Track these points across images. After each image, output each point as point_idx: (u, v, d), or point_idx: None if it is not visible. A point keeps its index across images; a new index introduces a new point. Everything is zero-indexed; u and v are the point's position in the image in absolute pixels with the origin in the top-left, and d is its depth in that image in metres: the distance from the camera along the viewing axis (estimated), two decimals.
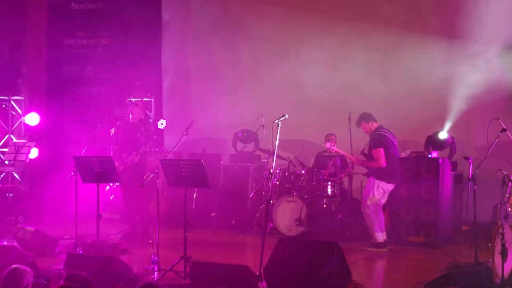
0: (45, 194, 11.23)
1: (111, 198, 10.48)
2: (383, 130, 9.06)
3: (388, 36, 11.04)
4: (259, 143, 11.07)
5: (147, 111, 11.59)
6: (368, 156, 9.11)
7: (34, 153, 10.88)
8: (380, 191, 8.97)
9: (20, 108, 11.97)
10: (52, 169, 11.56)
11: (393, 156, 9.01)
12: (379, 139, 8.97)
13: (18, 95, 11.98)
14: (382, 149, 8.88)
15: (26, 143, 10.57)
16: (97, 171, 8.08)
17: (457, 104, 10.51)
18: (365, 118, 9.14)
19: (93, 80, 12.56)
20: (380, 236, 9.03)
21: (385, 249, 9.00)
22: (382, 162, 8.86)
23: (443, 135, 10.16)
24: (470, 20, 10.37)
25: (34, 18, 12.55)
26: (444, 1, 10.97)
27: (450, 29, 10.66)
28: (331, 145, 9.45)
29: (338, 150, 9.40)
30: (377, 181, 8.95)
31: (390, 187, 9.01)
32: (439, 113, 10.56)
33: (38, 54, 12.66)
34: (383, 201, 9.11)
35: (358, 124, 9.22)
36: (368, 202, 8.98)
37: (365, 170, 9.74)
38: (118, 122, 9.58)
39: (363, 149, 9.27)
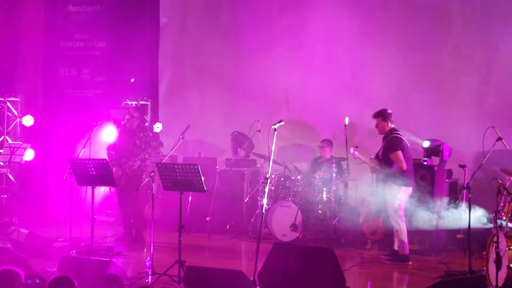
0: (39, 196, 11.20)
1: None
2: (398, 133, 8.70)
3: (386, 40, 11.10)
4: (253, 148, 11.03)
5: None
6: (382, 161, 8.68)
7: (29, 154, 10.85)
8: (403, 194, 8.57)
9: (16, 109, 11.93)
10: (47, 171, 11.55)
11: (409, 159, 8.70)
12: (396, 142, 8.56)
13: (14, 96, 11.94)
14: (400, 152, 8.52)
15: (21, 144, 10.54)
16: (93, 174, 8.06)
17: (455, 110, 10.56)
18: (384, 115, 8.73)
19: (89, 83, 12.57)
20: (408, 247, 8.70)
21: (410, 263, 8.64)
22: (403, 164, 8.47)
23: (426, 143, 10.06)
24: None
25: (31, 19, 12.53)
26: None
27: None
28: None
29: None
30: (396, 186, 8.55)
31: (410, 191, 8.68)
32: (437, 119, 10.59)
33: (35, 56, 12.64)
34: (404, 207, 8.73)
35: (375, 117, 8.78)
36: (399, 212, 8.57)
37: (359, 176, 9.72)
38: (117, 127, 9.56)
39: (377, 154, 8.83)
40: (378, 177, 9.08)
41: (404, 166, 8.51)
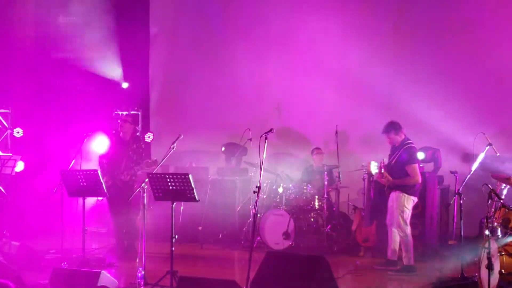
0: (30, 207, 11.14)
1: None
2: (411, 142, 8.51)
3: (378, 46, 11.15)
4: (246, 153, 11.02)
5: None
6: (395, 171, 8.42)
7: (20, 166, 10.79)
8: (411, 204, 8.47)
9: (7, 121, 11.87)
10: (38, 182, 11.49)
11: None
12: (413, 154, 8.41)
13: (5, 108, 11.89)
14: (417, 165, 8.39)
15: (12, 156, 10.48)
16: (83, 185, 8.04)
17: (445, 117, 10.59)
18: (396, 129, 8.48)
19: (80, 93, 12.52)
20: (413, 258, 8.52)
21: (416, 273, 8.40)
22: (419, 178, 8.35)
23: (420, 155, 10.03)
24: None
25: (21, 31, 12.50)
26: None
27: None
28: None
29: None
30: (406, 196, 8.39)
31: (415, 201, 8.57)
32: (428, 125, 10.63)
33: (25, 67, 12.59)
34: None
35: (387, 132, 8.52)
36: (407, 221, 8.38)
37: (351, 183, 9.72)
38: (110, 137, 9.56)
39: (389, 162, 8.56)
40: (384, 186, 8.82)
41: (419, 179, 8.39)
